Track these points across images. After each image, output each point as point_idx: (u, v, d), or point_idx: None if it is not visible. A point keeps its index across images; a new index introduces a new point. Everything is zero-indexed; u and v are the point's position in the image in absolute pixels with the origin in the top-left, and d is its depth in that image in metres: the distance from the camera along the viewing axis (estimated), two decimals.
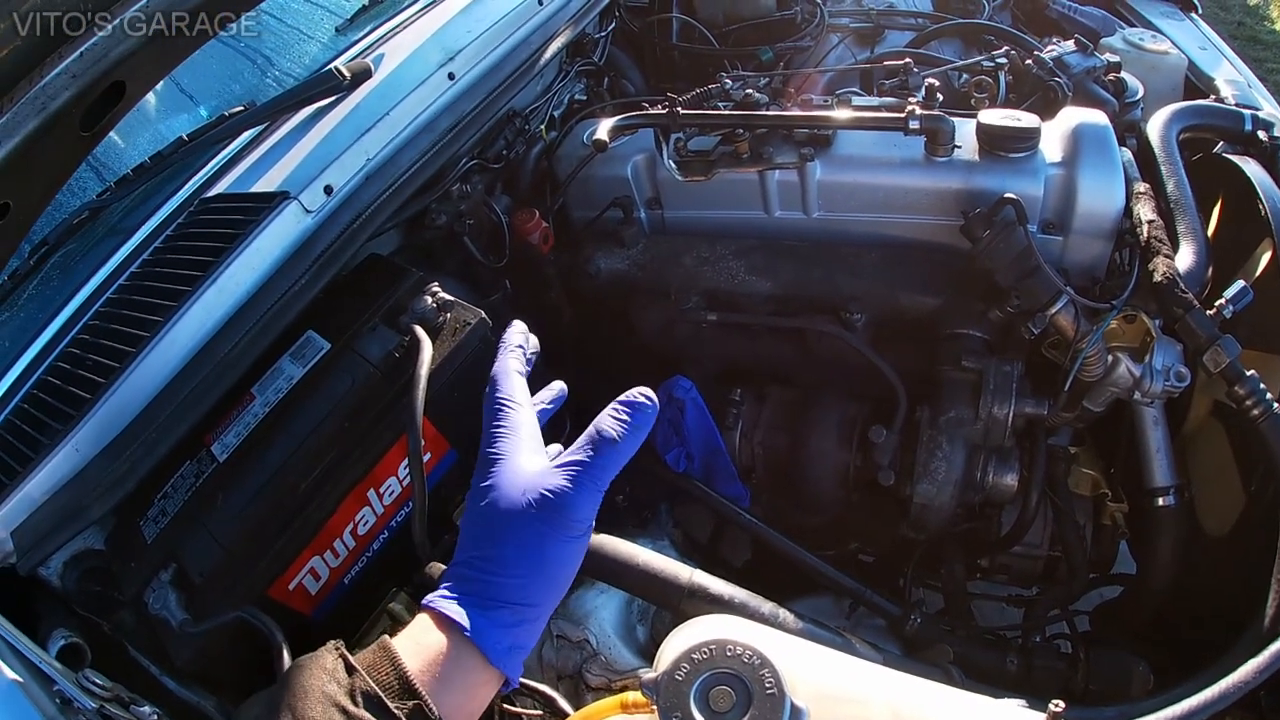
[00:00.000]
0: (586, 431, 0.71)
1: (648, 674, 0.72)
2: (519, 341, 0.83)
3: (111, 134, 1.44)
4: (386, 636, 0.65)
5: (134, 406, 0.99)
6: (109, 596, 0.99)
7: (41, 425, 0.99)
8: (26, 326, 1.15)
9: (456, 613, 0.66)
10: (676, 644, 0.75)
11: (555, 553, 0.68)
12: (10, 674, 0.89)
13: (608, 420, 0.70)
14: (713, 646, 0.71)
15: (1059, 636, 1.44)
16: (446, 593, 0.68)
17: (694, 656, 0.71)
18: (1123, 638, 1.36)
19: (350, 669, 0.63)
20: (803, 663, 0.75)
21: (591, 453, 0.69)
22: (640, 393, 0.72)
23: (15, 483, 0.96)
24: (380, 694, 0.61)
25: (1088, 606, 1.46)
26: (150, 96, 1.55)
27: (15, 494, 0.95)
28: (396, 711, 0.60)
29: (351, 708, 0.60)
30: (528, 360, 0.83)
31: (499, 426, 0.74)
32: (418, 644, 0.65)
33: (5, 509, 0.95)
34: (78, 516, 0.95)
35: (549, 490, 0.68)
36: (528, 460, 0.72)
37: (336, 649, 0.66)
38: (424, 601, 0.68)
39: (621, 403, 0.71)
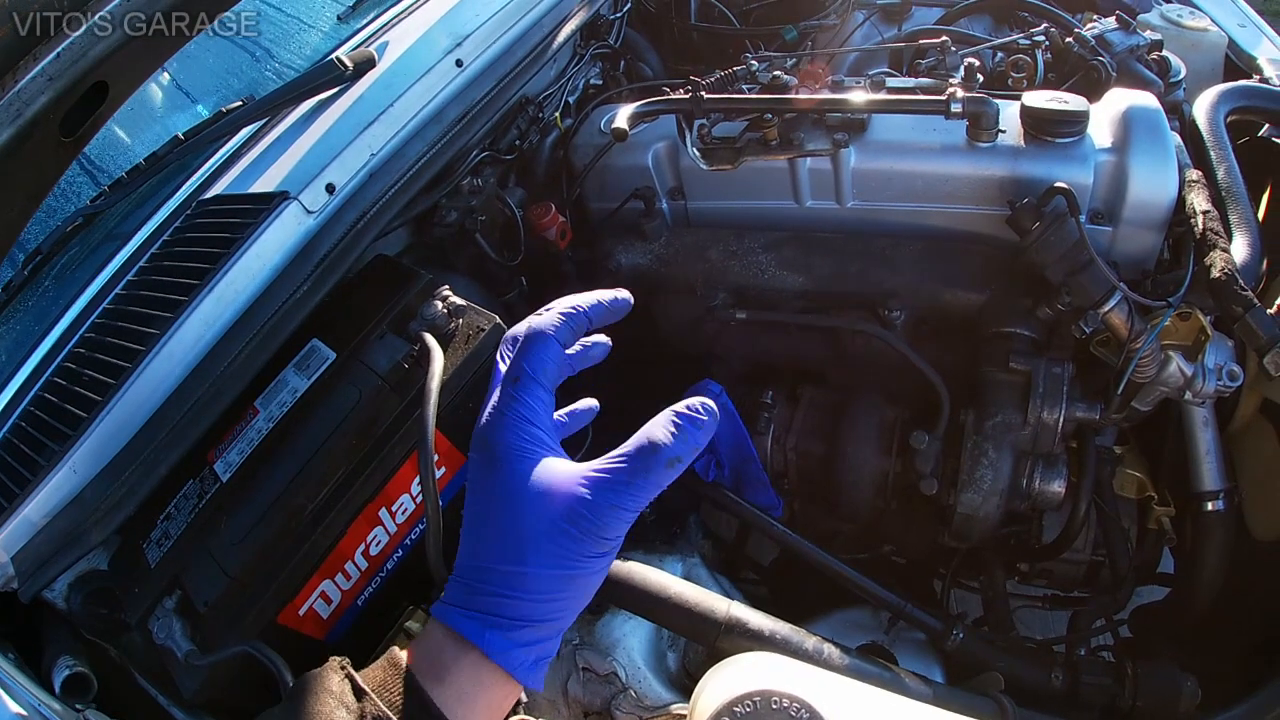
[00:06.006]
0: (635, 439, 0.60)
1: None
2: (572, 305, 0.72)
3: (115, 130, 1.39)
4: (396, 649, 0.60)
5: (132, 425, 0.94)
6: (115, 620, 0.95)
7: (39, 445, 0.95)
8: (22, 341, 1.11)
9: (475, 634, 0.59)
10: (715, 689, 0.70)
11: (585, 571, 0.60)
12: (14, 707, 0.86)
13: (660, 431, 0.59)
14: (757, 699, 0.66)
15: (1101, 648, 1.39)
16: (459, 606, 0.61)
17: (736, 710, 0.66)
18: (1164, 644, 1.31)
19: (360, 692, 0.57)
20: (853, 711, 0.69)
21: (638, 465, 0.59)
22: (700, 403, 0.61)
23: (13, 506, 0.92)
24: (393, 718, 0.55)
25: (1126, 610, 1.40)
26: (155, 90, 1.49)
27: (14, 518, 0.92)
28: None
29: None
30: (586, 351, 0.77)
31: (519, 407, 0.64)
32: (432, 660, 0.60)
33: (4, 533, 0.92)
34: (77, 541, 0.91)
35: (585, 506, 0.58)
36: (554, 460, 0.62)
37: (342, 668, 0.60)
38: (435, 613, 0.62)
39: (678, 413, 0.60)
